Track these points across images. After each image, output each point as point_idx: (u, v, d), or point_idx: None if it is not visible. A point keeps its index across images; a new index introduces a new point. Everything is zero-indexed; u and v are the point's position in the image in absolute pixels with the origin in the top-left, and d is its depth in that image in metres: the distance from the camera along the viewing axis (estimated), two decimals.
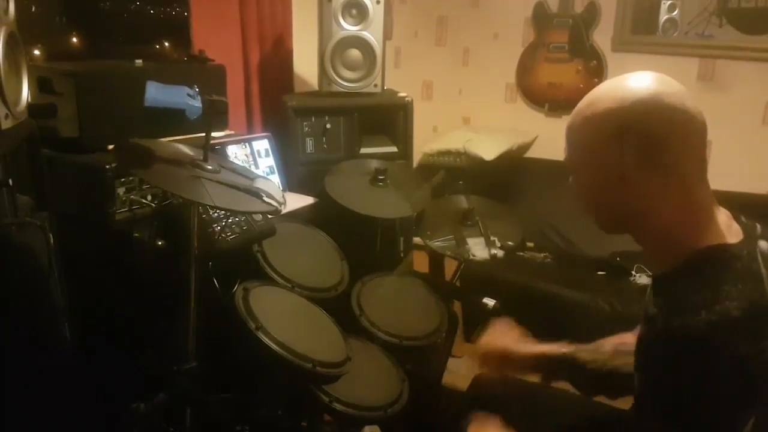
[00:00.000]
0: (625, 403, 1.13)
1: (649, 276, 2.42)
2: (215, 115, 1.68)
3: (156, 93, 1.92)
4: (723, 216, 1.04)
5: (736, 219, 1.05)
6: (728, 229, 1.02)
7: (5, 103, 1.38)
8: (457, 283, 2.33)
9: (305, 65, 2.89)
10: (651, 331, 1.04)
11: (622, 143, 0.98)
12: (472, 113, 3.70)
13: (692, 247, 0.99)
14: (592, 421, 1.42)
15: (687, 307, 0.93)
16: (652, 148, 0.98)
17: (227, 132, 2.29)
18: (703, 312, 0.90)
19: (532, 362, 1.43)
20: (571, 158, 1.08)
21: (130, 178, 1.77)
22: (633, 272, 2.56)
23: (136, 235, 1.73)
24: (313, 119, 2.49)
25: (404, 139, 2.60)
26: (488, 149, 3.12)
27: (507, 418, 1.28)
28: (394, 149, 2.59)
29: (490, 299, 1.94)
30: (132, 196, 1.79)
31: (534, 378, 1.49)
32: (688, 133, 0.98)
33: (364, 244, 2.21)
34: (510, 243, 2.10)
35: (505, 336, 1.48)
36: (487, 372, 1.52)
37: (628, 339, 1.25)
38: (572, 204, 1.12)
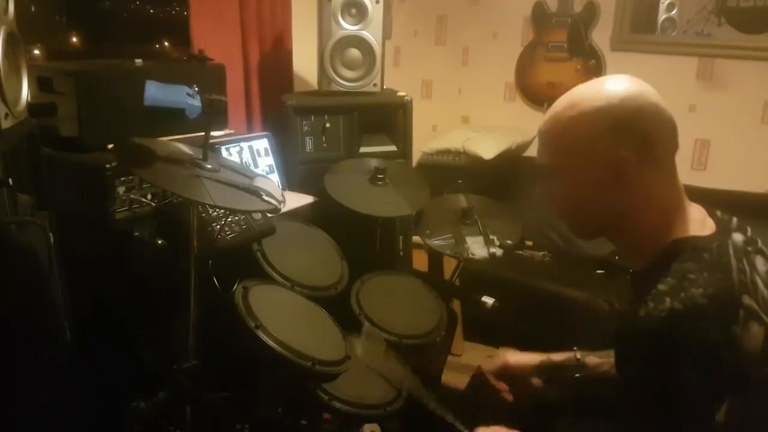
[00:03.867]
0: None
1: None
2: (215, 114, 1.69)
3: (156, 92, 1.93)
4: (696, 211, 1.06)
5: (711, 214, 1.07)
6: (701, 223, 1.04)
7: (5, 102, 1.38)
8: (457, 282, 2.33)
9: (305, 64, 2.90)
10: (623, 325, 1.05)
11: (619, 137, 1.00)
12: (472, 112, 3.70)
13: (664, 241, 1.02)
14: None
15: (653, 297, 0.94)
16: (646, 141, 1.00)
17: (227, 131, 2.30)
18: (668, 300, 0.92)
19: (539, 369, 1.42)
20: (553, 163, 1.08)
21: (130, 177, 1.78)
22: (631, 271, 2.56)
23: (136, 234, 1.73)
24: (312, 118, 2.49)
25: (404, 138, 2.60)
26: (487, 148, 3.13)
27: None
28: (393, 148, 2.59)
29: (489, 298, 1.95)
30: (132, 195, 1.79)
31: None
32: (670, 130, 1.02)
33: (363, 242, 2.21)
34: (509, 242, 2.10)
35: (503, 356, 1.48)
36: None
37: None
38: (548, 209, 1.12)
